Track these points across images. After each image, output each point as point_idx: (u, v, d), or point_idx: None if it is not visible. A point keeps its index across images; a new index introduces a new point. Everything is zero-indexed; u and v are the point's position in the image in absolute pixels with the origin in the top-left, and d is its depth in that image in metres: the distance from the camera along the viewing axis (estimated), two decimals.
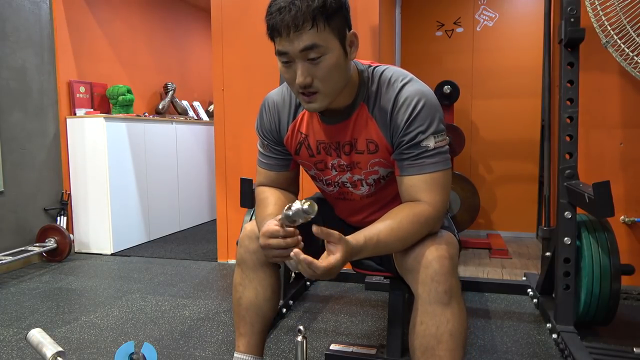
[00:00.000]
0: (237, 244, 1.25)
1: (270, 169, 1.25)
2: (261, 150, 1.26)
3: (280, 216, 0.98)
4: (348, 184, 1.21)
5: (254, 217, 1.27)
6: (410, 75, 1.09)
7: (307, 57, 0.97)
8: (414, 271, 1.02)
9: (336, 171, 1.20)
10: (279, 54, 0.99)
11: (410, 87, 1.05)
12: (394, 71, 1.09)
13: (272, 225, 0.98)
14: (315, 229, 0.90)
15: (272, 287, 1.23)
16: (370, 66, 1.12)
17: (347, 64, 1.03)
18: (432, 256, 0.99)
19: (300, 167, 1.29)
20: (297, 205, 0.93)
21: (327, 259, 0.92)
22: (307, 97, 1.02)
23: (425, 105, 1.03)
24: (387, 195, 1.23)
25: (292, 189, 1.29)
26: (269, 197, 1.20)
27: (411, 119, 1.03)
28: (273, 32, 0.98)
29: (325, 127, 1.14)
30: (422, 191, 1.04)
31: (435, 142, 1.03)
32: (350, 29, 1.02)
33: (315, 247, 1.19)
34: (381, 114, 1.08)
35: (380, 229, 1.00)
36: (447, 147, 1.06)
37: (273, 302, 1.24)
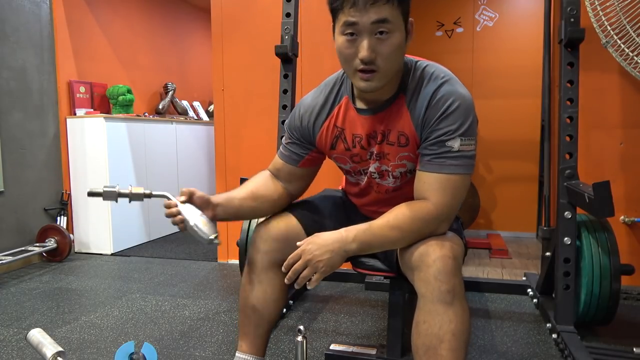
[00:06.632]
0: (237, 244, 1.25)
1: (281, 158, 1.27)
2: (283, 142, 1.28)
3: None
4: (375, 174, 1.20)
5: (259, 219, 1.28)
6: (452, 75, 1.08)
7: (376, 30, 0.96)
8: (417, 269, 1.02)
9: (370, 159, 1.19)
10: (346, 24, 0.98)
11: (448, 86, 1.05)
12: (436, 68, 1.09)
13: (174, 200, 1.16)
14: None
15: (281, 289, 1.22)
16: (413, 59, 1.11)
17: (405, 48, 1.04)
18: (436, 255, 0.99)
19: (308, 172, 1.28)
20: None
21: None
22: (366, 75, 1.00)
23: (460, 106, 1.02)
24: (412, 190, 1.21)
25: (290, 186, 1.27)
26: (252, 180, 1.26)
27: (442, 117, 1.02)
28: (344, 1, 0.97)
29: (361, 119, 1.14)
30: (432, 190, 1.03)
31: (461, 145, 1.01)
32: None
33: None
34: (417, 108, 1.07)
35: (374, 219, 1.06)
36: (473, 153, 1.04)
37: (280, 304, 1.24)
